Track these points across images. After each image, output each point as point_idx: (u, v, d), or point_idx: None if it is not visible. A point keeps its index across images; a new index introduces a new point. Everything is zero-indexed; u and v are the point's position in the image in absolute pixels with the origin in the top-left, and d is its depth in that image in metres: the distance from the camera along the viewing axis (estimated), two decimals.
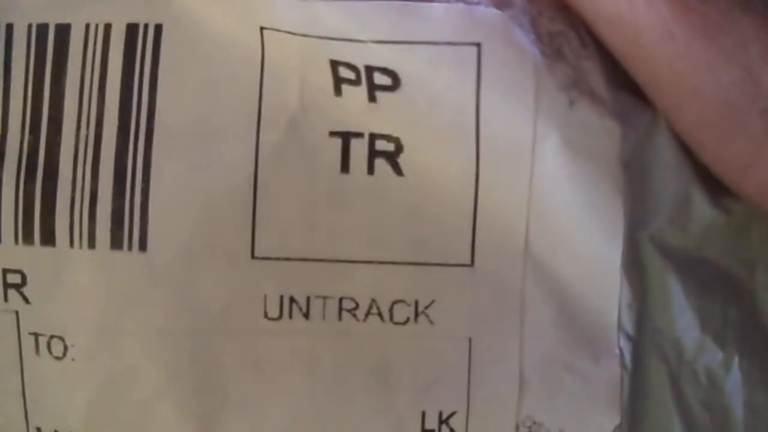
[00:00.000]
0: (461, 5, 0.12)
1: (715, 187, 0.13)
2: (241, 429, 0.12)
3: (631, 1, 0.11)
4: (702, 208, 0.13)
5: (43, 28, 0.12)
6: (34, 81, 0.12)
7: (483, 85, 0.12)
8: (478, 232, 0.12)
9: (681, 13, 0.11)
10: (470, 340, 0.12)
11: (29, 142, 0.12)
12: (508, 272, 0.12)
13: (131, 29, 0.12)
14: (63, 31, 0.12)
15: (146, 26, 0.12)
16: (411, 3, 0.12)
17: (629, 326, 0.13)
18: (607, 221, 0.12)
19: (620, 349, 0.13)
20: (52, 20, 0.12)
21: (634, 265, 0.13)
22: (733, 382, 0.13)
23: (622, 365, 0.13)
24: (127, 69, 0.12)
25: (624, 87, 0.13)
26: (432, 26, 0.12)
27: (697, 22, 0.11)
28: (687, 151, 0.13)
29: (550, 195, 0.12)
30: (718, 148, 0.12)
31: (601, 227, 0.12)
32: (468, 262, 0.12)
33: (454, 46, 0.12)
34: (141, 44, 0.12)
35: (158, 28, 0.12)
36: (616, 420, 0.13)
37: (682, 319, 0.13)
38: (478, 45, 0.12)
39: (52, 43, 0.12)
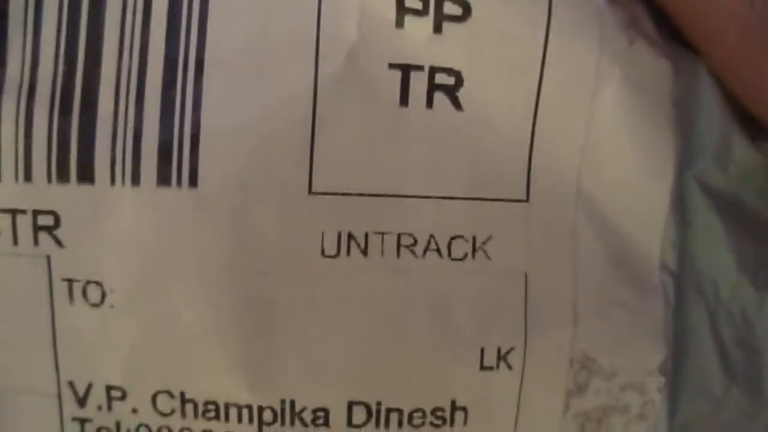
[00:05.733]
0: None
1: (754, 130, 0.13)
2: (296, 370, 0.12)
3: None
4: (741, 149, 0.13)
5: None
6: (70, 6, 0.11)
7: (553, 18, 0.12)
8: (533, 167, 0.12)
9: None
10: (526, 275, 0.12)
11: (64, 73, 0.11)
12: (560, 208, 0.12)
13: None
14: None
15: None
16: None
17: (673, 263, 0.13)
18: (659, 158, 0.12)
19: (664, 286, 0.13)
20: None
21: (679, 204, 0.13)
22: (765, 323, 0.14)
23: (666, 301, 0.13)
24: None
25: (668, 36, 0.13)
26: None
27: None
28: (727, 96, 0.13)
29: (606, 131, 0.12)
30: (754, 73, 0.12)
31: (653, 164, 0.12)
32: (523, 197, 0.12)
33: None
34: None
35: None
36: (662, 354, 0.13)
37: (721, 258, 0.13)
38: None
39: None
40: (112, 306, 0.12)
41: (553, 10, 0.12)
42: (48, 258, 0.12)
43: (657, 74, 0.12)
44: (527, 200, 0.12)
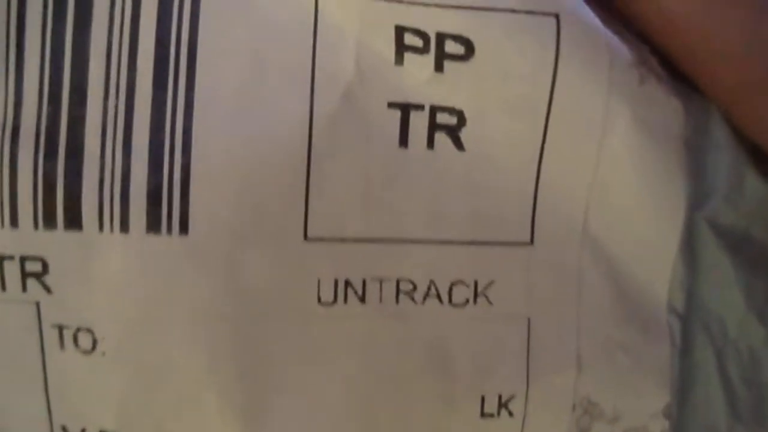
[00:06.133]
0: None
1: (765, 164, 0.13)
2: (291, 417, 0.12)
3: None
4: (753, 186, 0.13)
5: None
6: (53, 44, 0.11)
7: (561, 57, 0.11)
8: (538, 209, 0.12)
9: None
10: (529, 320, 0.12)
11: (48, 114, 0.11)
12: (565, 250, 0.12)
13: None
14: None
15: None
16: None
17: (680, 305, 0.13)
18: (669, 199, 0.12)
19: (670, 328, 0.13)
20: None
21: (688, 244, 0.13)
22: None
23: (672, 344, 0.13)
24: (161, 31, 0.11)
25: (675, 76, 0.12)
26: None
27: None
28: (738, 135, 0.13)
29: (615, 172, 0.12)
30: (756, 103, 0.12)
31: (663, 206, 0.12)
32: (528, 240, 0.12)
33: (533, 16, 0.11)
34: (177, 2, 0.11)
35: None
36: (665, 399, 0.13)
37: (729, 296, 0.13)
38: (557, 16, 0.11)
39: (74, 1, 0.11)
40: (103, 353, 0.11)
41: (561, 48, 0.11)
42: (37, 304, 0.11)
43: (667, 114, 0.12)
44: (532, 243, 0.12)
